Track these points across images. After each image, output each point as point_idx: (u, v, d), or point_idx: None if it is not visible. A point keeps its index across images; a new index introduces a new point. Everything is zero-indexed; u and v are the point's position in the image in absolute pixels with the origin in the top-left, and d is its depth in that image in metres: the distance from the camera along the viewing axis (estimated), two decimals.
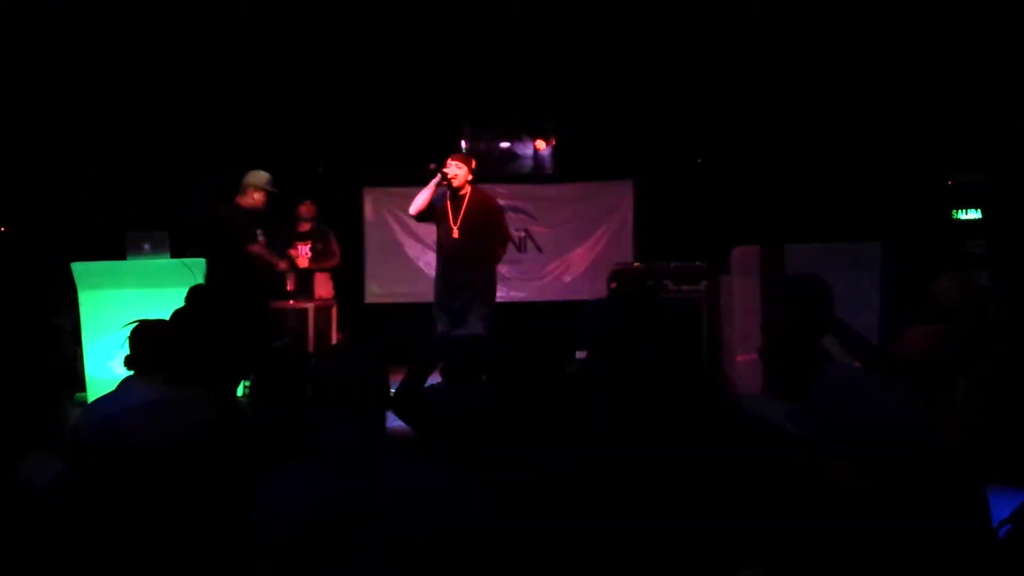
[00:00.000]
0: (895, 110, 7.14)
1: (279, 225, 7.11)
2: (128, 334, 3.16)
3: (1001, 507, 2.12)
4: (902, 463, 1.70)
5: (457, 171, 5.69)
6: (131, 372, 3.13)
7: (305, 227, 7.08)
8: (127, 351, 3.14)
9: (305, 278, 6.96)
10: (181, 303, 5.68)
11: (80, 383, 6.05)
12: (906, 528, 1.87)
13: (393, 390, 2.95)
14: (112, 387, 3.12)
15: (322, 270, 7.03)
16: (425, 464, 1.96)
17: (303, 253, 6.91)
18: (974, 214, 7.32)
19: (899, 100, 7.10)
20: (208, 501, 2.07)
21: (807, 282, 3.07)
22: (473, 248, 5.74)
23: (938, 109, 6.98)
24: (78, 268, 6.32)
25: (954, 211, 7.36)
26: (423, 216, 5.90)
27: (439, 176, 5.68)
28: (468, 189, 5.77)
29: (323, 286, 7.02)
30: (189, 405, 2.27)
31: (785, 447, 1.90)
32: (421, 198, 5.78)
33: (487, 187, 6.35)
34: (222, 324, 2.47)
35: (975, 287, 5.99)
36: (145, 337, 3.13)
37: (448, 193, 5.74)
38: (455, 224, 5.72)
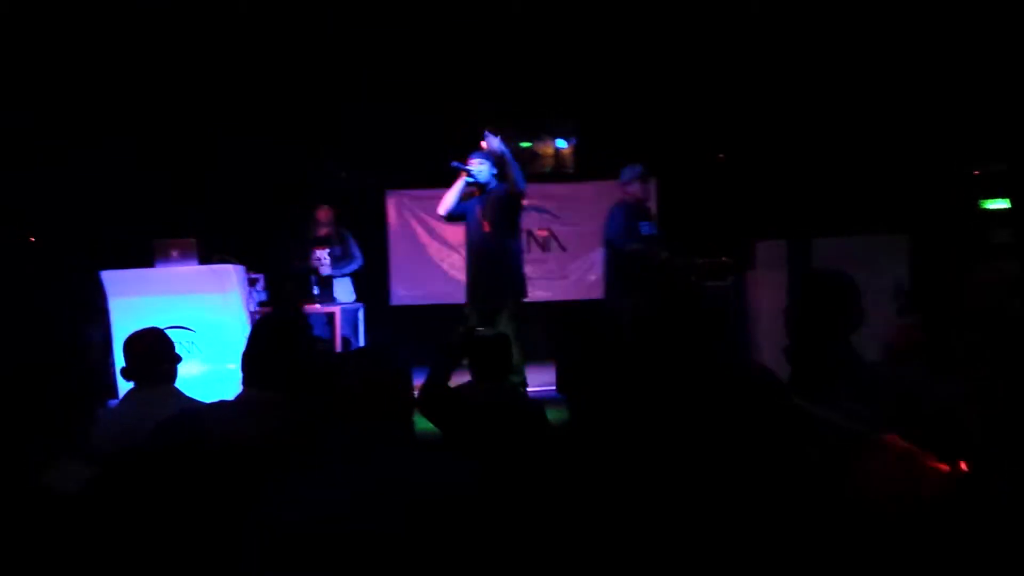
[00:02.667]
0: (919, 100, 7.07)
1: (299, 231, 7.18)
2: (123, 345, 3.19)
3: None
4: (961, 456, 1.70)
5: (480, 167, 5.70)
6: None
7: (323, 232, 7.13)
8: (124, 363, 3.17)
9: (327, 283, 7.00)
10: (209, 309, 5.79)
11: (112, 391, 6.12)
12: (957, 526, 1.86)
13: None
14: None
15: (344, 275, 7.07)
16: (450, 466, 1.95)
17: (323, 259, 6.96)
18: (1002, 203, 7.24)
19: (924, 90, 7.03)
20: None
21: (832, 278, 3.01)
22: (504, 242, 5.76)
23: (963, 98, 6.91)
24: (108, 276, 6.39)
25: (982, 201, 7.28)
26: (452, 217, 5.90)
27: (464, 174, 5.68)
28: (495, 184, 5.79)
29: (344, 291, 7.07)
30: (273, 408, 2.28)
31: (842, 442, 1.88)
32: (450, 198, 5.79)
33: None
34: (305, 332, 2.48)
35: (1010, 277, 5.92)
36: (139, 347, 3.15)
37: (476, 189, 5.77)
38: (485, 219, 5.72)
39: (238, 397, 2.41)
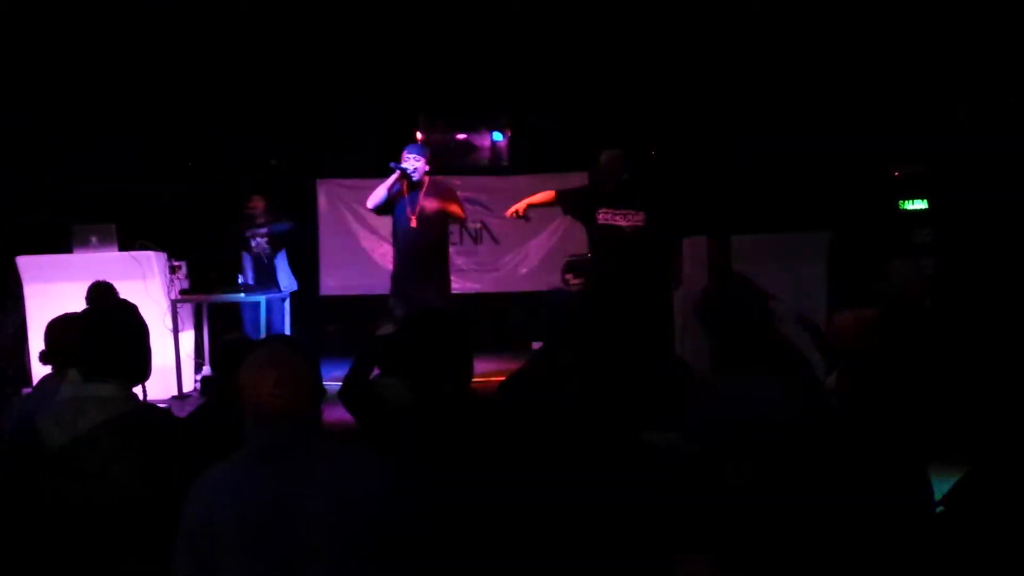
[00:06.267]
0: (839, 100, 7.24)
1: (235, 221, 7.10)
2: (45, 329, 3.11)
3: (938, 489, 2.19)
4: (790, 451, 1.74)
5: (415, 164, 5.71)
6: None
7: (259, 220, 7.07)
8: (44, 346, 3.10)
9: (268, 270, 6.96)
10: (129, 296, 5.65)
11: (26, 378, 5.94)
12: (851, 512, 1.92)
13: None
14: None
15: (279, 234, 7.03)
16: (359, 458, 1.93)
17: (261, 246, 6.94)
18: (920, 204, 7.47)
19: (844, 90, 7.20)
20: (130, 499, 2.03)
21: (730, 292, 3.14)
22: (431, 237, 5.77)
23: (883, 99, 7.10)
24: (23, 262, 6.21)
25: (901, 201, 7.50)
26: (381, 210, 5.89)
27: (399, 173, 5.68)
28: (425, 179, 5.79)
29: (285, 277, 7.04)
30: (100, 402, 2.22)
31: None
32: (379, 193, 5.77)
33: (442, 177, 6.34)
34: (133, 319, 2.42)
35: (924, 274, 6.12)
36: (60, 331, 3.08)
37: (405, 183, 5.75)
38: (413, 213, 5.73)
39: (73, 392, 2.35)
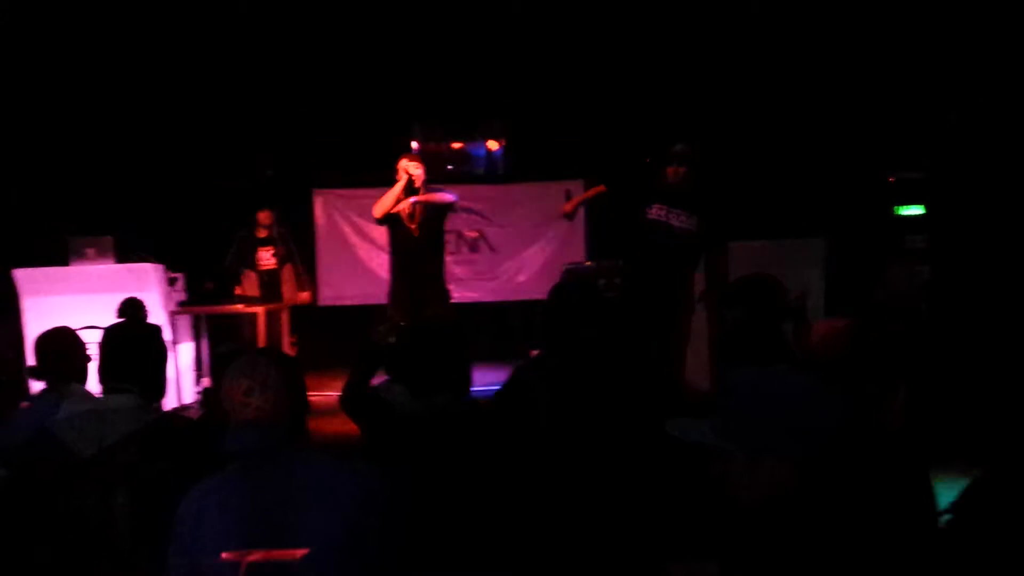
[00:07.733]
0: (836, 108, 7.26)
1: (239, 232, 7.13)
2: (34, 344, 3.11)
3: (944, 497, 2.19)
4: (821, 456, 1.72)
5: (416, 172, 5.74)
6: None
7: (263, 234, 7.14)
8: (34, 362, 3.10)
9: (273, 282, 7.00)
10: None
11: (23, 392, 5.92)
12: (852, 522, 1.91)
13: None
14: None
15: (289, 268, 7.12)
16: (347, 467, 1.92)
17: (266, 258, 7.06)
18: (916, 210, 7.48)
19: (841, 97, 7.22)
20: (144, 506, 2.04)
21: (762, 279, 3.19)
22: (431, 246, 5.81)
23: (880, 107, 7.12)
24: (20, 275, 6.19)
25: (896, 207, 7.52)
26: (382, 220, 5.89)
27: (406, 180, 5.70)
28: (423, 189, 5.83)
29: (290, 289, 7.07)
30: (124, 413, 2.25)
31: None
32: (388, 201, 5.75)
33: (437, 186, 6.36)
34: (160, 340, 2.50)
35: (920, 281, 6.15)
36: (48, 346, 3.07)
37: (405, 193, 5.77)
38: (414, 223, 5.76)
39: (96, 404, 2.41)
